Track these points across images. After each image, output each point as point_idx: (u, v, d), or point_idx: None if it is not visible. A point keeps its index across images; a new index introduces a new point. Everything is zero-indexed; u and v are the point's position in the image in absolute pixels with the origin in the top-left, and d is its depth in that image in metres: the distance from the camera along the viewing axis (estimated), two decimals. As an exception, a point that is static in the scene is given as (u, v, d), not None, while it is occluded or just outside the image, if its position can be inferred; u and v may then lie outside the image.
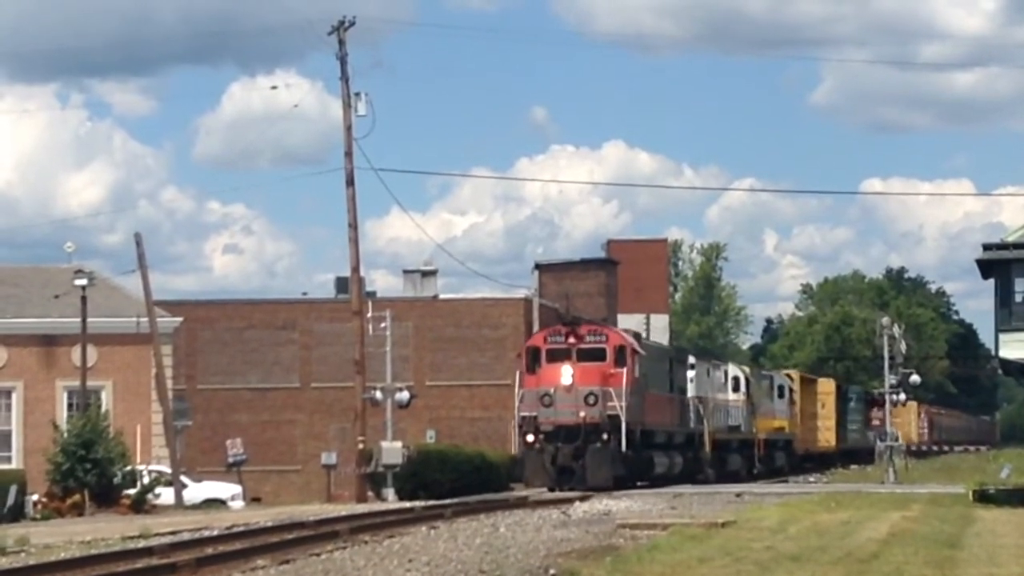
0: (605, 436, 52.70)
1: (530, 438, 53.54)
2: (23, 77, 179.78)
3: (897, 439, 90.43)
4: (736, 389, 78.60)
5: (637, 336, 60.93)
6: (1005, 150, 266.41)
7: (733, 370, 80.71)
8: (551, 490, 52.35)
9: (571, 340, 55.27)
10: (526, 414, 54.17)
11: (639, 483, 57.76)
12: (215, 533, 34.68)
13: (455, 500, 49.30)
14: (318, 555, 28.50)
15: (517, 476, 58.75)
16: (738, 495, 53.35)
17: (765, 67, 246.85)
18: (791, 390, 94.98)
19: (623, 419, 53.20)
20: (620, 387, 54.06)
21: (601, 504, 46.24)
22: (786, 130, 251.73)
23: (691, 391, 68.80)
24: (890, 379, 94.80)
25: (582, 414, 52.86)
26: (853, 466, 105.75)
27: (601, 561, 27.43)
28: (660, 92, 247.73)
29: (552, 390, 53.32)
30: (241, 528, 35.35)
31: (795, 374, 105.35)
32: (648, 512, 42.89)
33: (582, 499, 49.37)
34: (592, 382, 53.87)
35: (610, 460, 52.75)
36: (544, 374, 54.82)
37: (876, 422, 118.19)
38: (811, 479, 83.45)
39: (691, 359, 71.61)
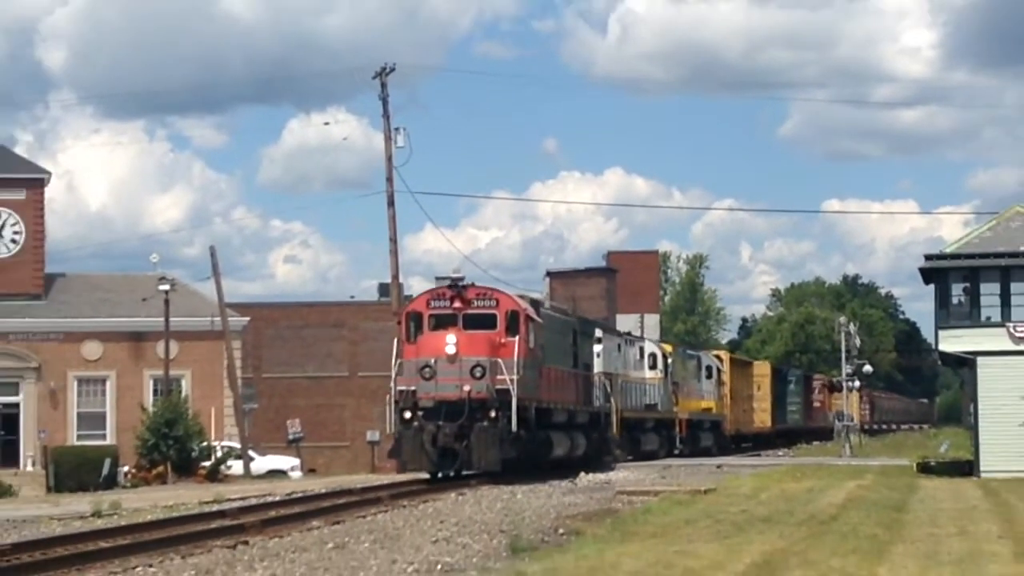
0: (493, 413, 38.33)
1: (407, 415, 38.65)
2: (116, 115, 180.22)
3: (853, 419, 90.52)
4: (653, 367, 62.62)
5: (535, 303, 44.49)
6: (944, 176, 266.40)
7: (650, 347, 64.55)
8: (432, 475, 39.39)
9: (457, 305, 40.43)
10: (404, 388, 39.18)
11: (537, 464, 43.64)
12: (278, 498, 34.65)
13: (480, 472, 48.09)
14: (364, 517, 28.52)
15: (393, 458, 43.75)
16: (718, 467, 53.14)
17: (741, 105, 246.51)
18: (719, 371, 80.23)
19: (515, 394, 38.52)
20: (512, 358, 39.06)
21: (603, 475, 45.74)
22: (759, 158, 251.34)
23: (598, 367, 52.58)
24: (846, 368, 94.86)
25: (467, 388, 38.15)
26: (816, 442, 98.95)
27: (602, 522, 27.44)
28: (653, 126, 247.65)
29: (433, 361, 38.39)
30: (299, 494, 35.42)
31: (725, 355, 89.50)
32: (642, 481, 42.41)
33: (585, 471, 46.51)
34: (479, 352, 38.83)
35: (499, 441, 38.28)
36: (425, 343, 39.85)
37: (817, 404, 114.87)
38: (780, 453, 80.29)
39: (598, 333, 55.01)
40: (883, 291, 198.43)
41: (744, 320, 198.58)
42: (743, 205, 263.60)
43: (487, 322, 40.78)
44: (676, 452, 63.97)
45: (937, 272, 50.11)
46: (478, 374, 38.74)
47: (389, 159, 59.86)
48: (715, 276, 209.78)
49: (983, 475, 46.03)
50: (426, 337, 40.35)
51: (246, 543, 23.50)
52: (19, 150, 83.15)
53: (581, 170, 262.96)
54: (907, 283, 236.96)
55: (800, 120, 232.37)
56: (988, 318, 49.06)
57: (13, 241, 71.30)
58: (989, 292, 49.32)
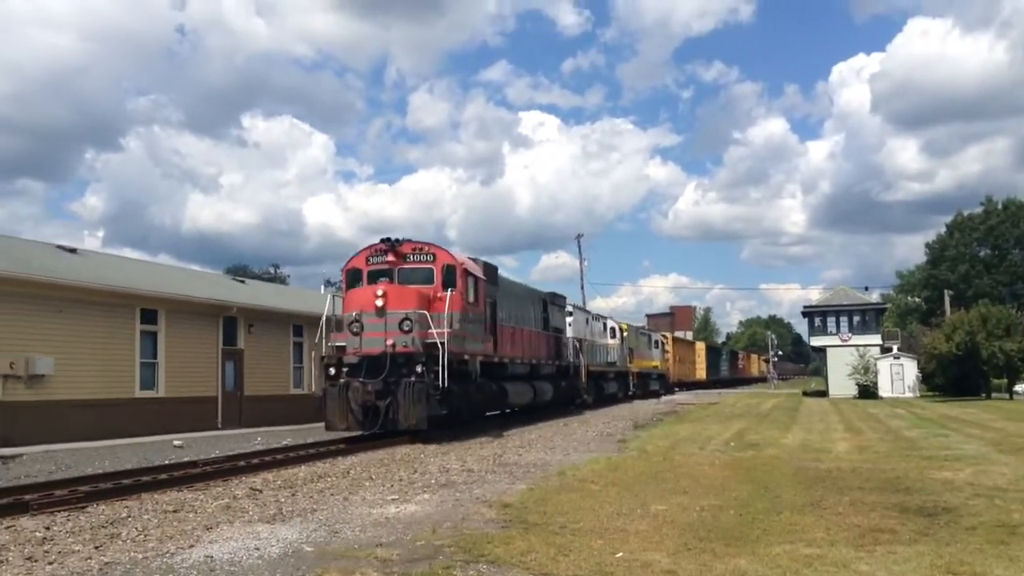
0: (419, 368, 14.69)
1: (332, 371, 15.02)
2: (472, 254, 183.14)
3: (775, 374, 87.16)
4: (614, 337, 37.89)
5: (489, 266, 19.08)
6: (812, 274, 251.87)
7: (611, 323, 38.40)
8: (362, 432, 15.16)
9: (391, 259, 16.60)
10: (337, 343, 15.51)
11: (494, 412, 21.84)
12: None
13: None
14: (576, 415, 27.66)
15: (323, 419, 15.51)
16: (719, 394, 51.66)
17: (726, 245, 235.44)
18: (663, 344, 54.35)
19: (444, 348, 14.78)
20: (443, 311, 15.50)
21: (673, 397, 43.93)
22: (734, 268, 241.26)
23: (569, 332, 28.82)
24: (771, 353, 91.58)
25: (390, 342, 14.78)
26: (755, 385, 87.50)
27: (671, 416, 26.99)
28: (691, 256, 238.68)
29: (359, 315, 15.15)
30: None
31: (669, 336, 60.61)
32: (687, 400, 40.93)
33: (665, 393, 42.92)
34: (408, 305, 15.21)
35: (424, 396, 14.66)
36: (355, 297, 15.81)
37: (741, 366, 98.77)
38: (745, 389, 70.86)
39: (569, 307, 29.72)
40: (787, 322, 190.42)
41: (728, 335, 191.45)
42: (729, 287, 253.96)
43: (423, 276, 16.90)
44: (630, 394, 40.26)
45: (809, 313, 48.60)
46: (406, 328, 15.55)
47: (581, 272, 59.62)
48: (716, 315, 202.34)
49: (831, 397, 44.18)
50: (358, 291, 16.50)
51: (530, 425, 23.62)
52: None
53: (660, 273, 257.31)
54: (797, 318, 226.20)
55: (749, 253, 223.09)
56: (831, 331, 47.32)
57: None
58: (831, 321, 47.63)
